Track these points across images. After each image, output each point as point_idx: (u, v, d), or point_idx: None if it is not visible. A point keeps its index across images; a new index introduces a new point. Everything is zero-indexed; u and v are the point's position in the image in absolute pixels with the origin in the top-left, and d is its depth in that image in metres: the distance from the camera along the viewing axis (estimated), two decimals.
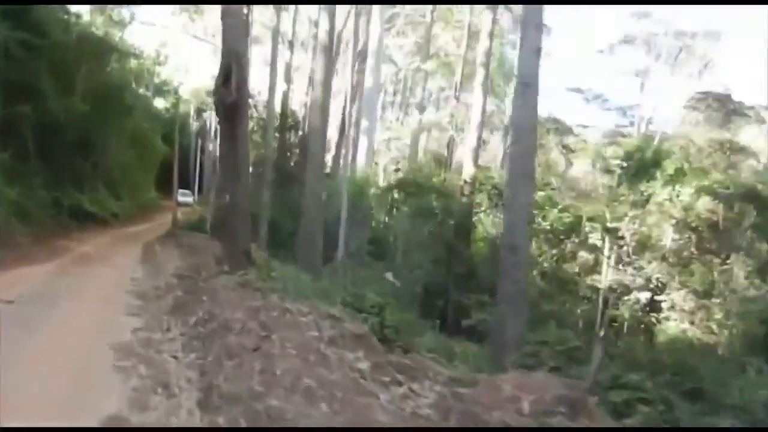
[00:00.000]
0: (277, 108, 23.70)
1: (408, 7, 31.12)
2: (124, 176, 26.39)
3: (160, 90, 42.37)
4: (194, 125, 43.44)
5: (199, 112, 47.44)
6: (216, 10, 16.09)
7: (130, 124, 28.52)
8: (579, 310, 18.86)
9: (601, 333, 14.26)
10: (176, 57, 36.49)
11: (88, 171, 22.14)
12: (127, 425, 4.05)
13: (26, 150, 17.04)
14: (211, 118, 48.25)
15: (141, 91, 36.92)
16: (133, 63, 29.12)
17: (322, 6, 18.86)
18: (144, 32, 30.38)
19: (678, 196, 18.98)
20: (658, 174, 19.64)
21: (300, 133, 24.32)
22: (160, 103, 42.43)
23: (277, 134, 22.98)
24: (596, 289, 18.89)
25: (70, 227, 18.38)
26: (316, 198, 17.34)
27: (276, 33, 22.94)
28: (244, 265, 9.29)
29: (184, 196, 31.84)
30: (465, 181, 20.03)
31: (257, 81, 25.57)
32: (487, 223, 21.25)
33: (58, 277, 10.40)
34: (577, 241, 20.73)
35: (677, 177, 19.39)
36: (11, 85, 15.87)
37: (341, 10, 22.07)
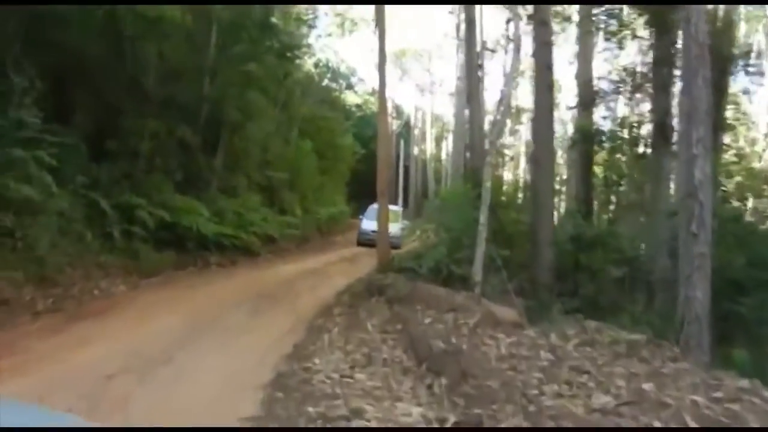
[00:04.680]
0: None
1: None
2: (296, 179, 16.13)
3: (348, 83, 33.47)
4: (395, 125, 33.25)
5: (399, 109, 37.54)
6: None
7: (301, 105, 18.65)
8: None
9: None
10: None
11: (219, 161, 12.09)
12: None
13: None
14: (417, 116, 38.15)
15: (325, 82, 27.87)
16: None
17: None
18: None
19: None
20: None
21: None
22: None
23: None
24: None
25: (157, 270, 8.19)
26: None
27: None
28: None
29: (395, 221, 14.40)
30: None
31: None
32: None
33: None
34: None
35: None
36: None
37: None
